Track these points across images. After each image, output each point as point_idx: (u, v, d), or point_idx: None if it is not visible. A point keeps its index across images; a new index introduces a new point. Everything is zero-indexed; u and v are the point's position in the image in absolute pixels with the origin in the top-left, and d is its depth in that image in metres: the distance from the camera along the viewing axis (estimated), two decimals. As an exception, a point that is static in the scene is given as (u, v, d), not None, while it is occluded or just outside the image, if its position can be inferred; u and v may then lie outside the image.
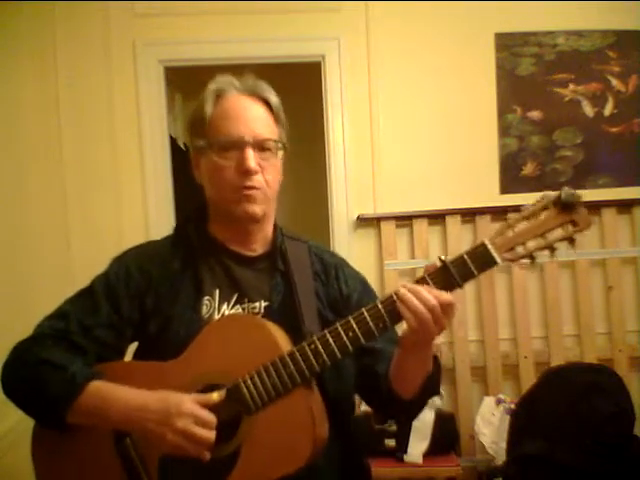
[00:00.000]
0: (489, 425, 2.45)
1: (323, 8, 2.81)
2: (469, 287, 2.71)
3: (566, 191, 0.98)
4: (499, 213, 2.79)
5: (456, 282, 0.99)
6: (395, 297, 1.00)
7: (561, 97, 2.85)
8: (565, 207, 0.98)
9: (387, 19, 2.82)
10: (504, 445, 2.09)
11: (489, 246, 0.99)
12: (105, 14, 2.74)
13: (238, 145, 1.13)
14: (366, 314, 1.01)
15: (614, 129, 2.86)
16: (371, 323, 1.01)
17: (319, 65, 2.84)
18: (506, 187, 2.85)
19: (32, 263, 2.31)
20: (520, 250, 1.00)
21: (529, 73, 2.84)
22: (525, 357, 2.78)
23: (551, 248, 1.00)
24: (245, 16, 2.78)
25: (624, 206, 2.80)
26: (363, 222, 2.82)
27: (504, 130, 2.85)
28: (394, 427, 2.41)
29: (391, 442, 2.41)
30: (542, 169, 2.84)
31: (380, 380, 1.14)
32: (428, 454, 2.39)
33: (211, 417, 1.01)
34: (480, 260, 0.99)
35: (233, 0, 2.78)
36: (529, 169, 2.85)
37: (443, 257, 1.00)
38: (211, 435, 1.00)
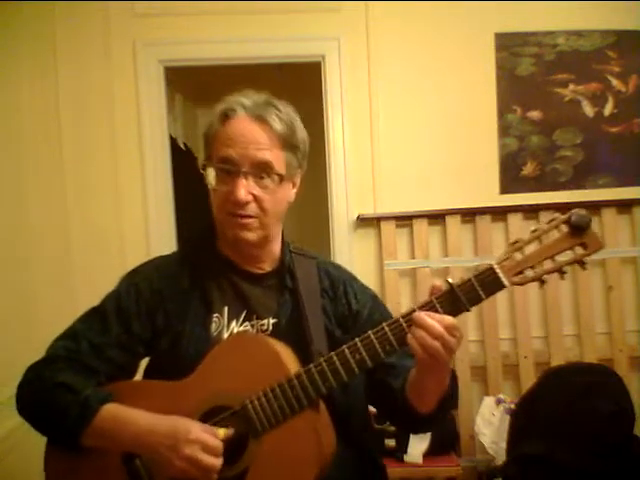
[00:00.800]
0: (489, 425, 2.45)
1: (323, 8, 2.81)
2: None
3: (577, 213, 0.97)
4: (499, 213, 2.80)
5: (464, 306, 0.99)
6: (403, 323, 1.00)
7: (561, 97, 2.85)
8: (575, 229, 0.97)
9: (387, 19, 2.82)
10: (504, 445, 2.09)
11: (497, 270, 0.98)
12: (105, 14, 2.74)
13: (233, 172, 1.12)
14: (373, 337, 1.01)
15: (614, 129, 2.86)
16: (378, 346, 1.01)
17: (319, 65, 2.84)
18: (506, 187, 2.85)
19: (32, 264, 2.31)
20: (529, 273, 0.99)
21: (529, 73, 2.84)
22: (525, 357, 2.78)
23: (560, 271, 0.99)
24: (245, 16, 2.78)
25: (624, 206, 2.80)
26: (363, 222, 2.82)
27: (504, 130, 2.85)
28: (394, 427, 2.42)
29: (391, 442, 2.41)
30: (542, 169, 2.84)
31: (397, 395, 1.14)
32: (428, 454, 2.39)
33: (218, 443, 1.02)
34: (488, 284, 0.99)
35: (233, 0, 2.78)
36: (529, 169, 2.85)
37: (451, 280, 0.99)
38: (217, 462, 1.01)
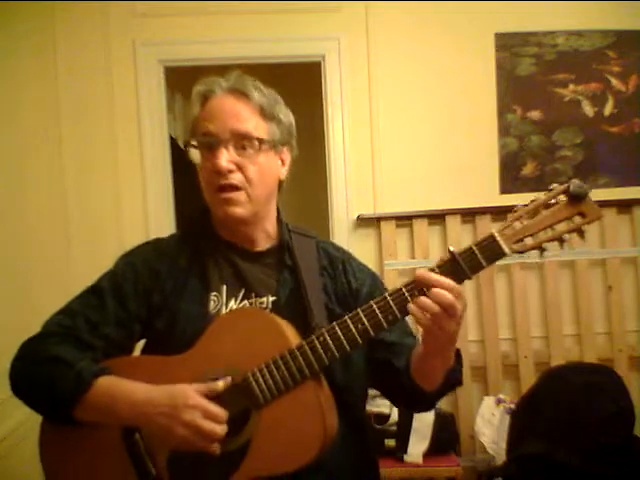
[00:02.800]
0: (489, 425, 2.45)
1: (323, 8, 2.81)
2: (469, 287, 2.71)
3: (575, 183, 0.98)
4: (499, 213, 2.79)
5: (465, 274, 0.99)
6: (405, 292, 1.00)
7: (561, 97, 2.85)
8: (574, 199, 0.98)
9: (387, 19, 2.82)
10: (504, 445, 2.09)
11: (498, 237, 0.99)
12: (105, 14, 2.74)
13: (213, 144, 1.13)
14: (375, 307, 1.01)
15: (614, 129, 2.86)
16: (380, 315, 1.01)
17: (319, 65, 2.84)
18: (506, 187, 2.85)
19: (32, 263, 2.31)
20: (529, 241, 0.99)
21: (529, 73, 2.84)
22: (525, 357, 2.78)
23: (560, 239, 0.99)
24: (245, 16, 2.78)
25: (624, 206, 2.81)
26: (363, 222, 2.82)
27: (504, 130, 2.85)
28: (394, 427, 2.42)
29: (391, 442, 2.41)
30: (542, 169, 2.84)
31: (400, 375, 1.14)
32: (428, 454, 2.39)
33: (221, 411, 1.00)
34: (489, 251, 0.99)
35: (233, 0, 2.78)
36: (529, 169, 2.85)
37: (452, 248, 0.99)
38: (220, 429, 1.00)
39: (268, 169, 1.18)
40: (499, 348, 2.79)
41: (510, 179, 2.85)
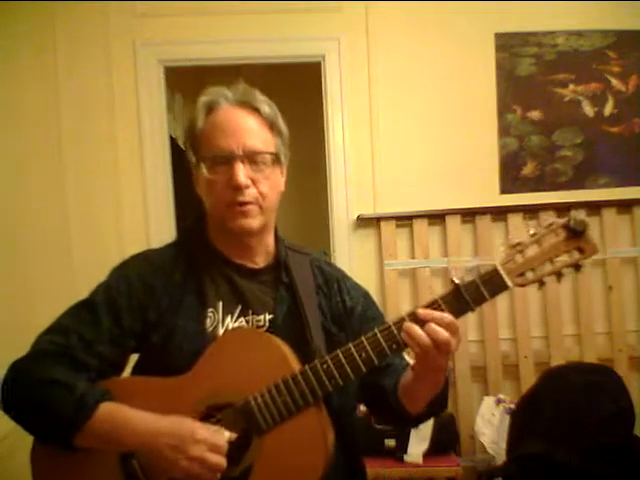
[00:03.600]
0: (489, 425, 2.45)
1: (323, 8, 2.81)
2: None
3: (574, 217, 0.99)
4: (499, 213, 2.79)
5: (468, 306, 1.00)
6: (406, 319, 1.00)
7: (561, 97, 2.85)
8: (573, 233, 0.99)
9: (387, 19, 2.81)
10: (504, 445, 2.09)
11: (501, 271, 1.01)
12: (105, 14, 2.73)
13: (228, 160, 1.12)
14: (379, 335, 1.01)
15: (614, 129, 2.86)
16: (384, 344, 1.01)
17: (319, 65, 2.84)
18: (506, 187, 2.85)
19: (32, 263, 2.31)
20: (530, 275, 1.02)
21: (529, 73, 2.84)
22: (525, 357, 2.78)
23: (558, 274, 1.01)
24: (245, 16, 2.78)
25: (624, 206, 2.80)
26: (363, 222, 2.82)
27: (504, 130, 2.85)
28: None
29: (391, 442, 2.41)
30: (542, 169, 2.84)
31: (388, 395, 1.14)
32: (428, 454, 2.39)
33: (223, 442, 1.01)
34: (492, 285, 1.01)
35: (233, 0, 2.78)
36: (529, 169, 2.85)
37: (456, 280, 1.00)
38: (224, 461, 1.00)
39: (275, 182, 1.18)
40: (499, 348, 2.79)
41: (510, 179, 2.85)
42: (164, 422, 1.02)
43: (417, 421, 1.17)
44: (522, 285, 1.02)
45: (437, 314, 0.99)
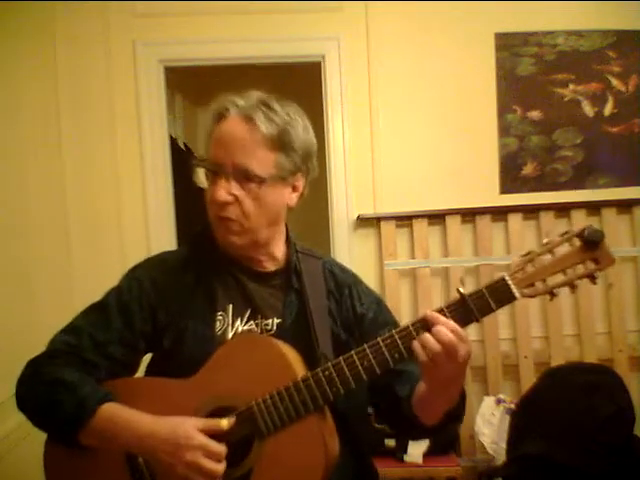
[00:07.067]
0: (489, 425, 2.45)
1: (323, 8, 2.81)
2: (469, 287, 2.71)
3: (590, 228, 0.96)
4: (499, 213, 2.79)
5: (474, 316, 1.00)
6: (412, 331, 0.99)
7: (561, 97, 2.85)
8: (589, 244, 0.96)
9: (387, 19, 2.81)
10: (504, 445, 2.09)
11: (509, 282, 0.98)
12: (105, 14, 2.73)
13: (217, 172, 1.12)
14: (382, 344, 1.01)
15: (614, 129, 2.86)
16: (387, 354, 1.00)
17: (319, 65, 2.84)
18: (506, 187, 2.85)
19: (32, 263, 2.31)
20: (540, 286, 0.98)
21: (529, 73, 2.84)
22: (525, 357, 2.78)
23: (571, 285, 0.98)
24: (245, 16, 2.78)
25: (624, 206, 2.80)
26: (363, 222, 2.82)
27: (504, 130, 2.85)
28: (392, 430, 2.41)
29: (391, 442, 2.41)
30: (542, 169, 2.84)
31: (401, 403, 1.13)
32: (428, 454, 2.38)
33: (220, 448, 1.00)
34: (499, 295, 0.99)
35: (233, 0, 2.78)
36: (529, 169, 2.85)
37: (462, 290, 0.99)
38: (220, 467, 1.00)
39: (271, 201, 1.14)
40: (499, 348, 2.79)
41: (510, 179, 2.85)
42: (162, 425, 1.03)
43: (429, 432, 1.15)
44: (531, 296, 0.99)
45: (442, 318, 0.98)
